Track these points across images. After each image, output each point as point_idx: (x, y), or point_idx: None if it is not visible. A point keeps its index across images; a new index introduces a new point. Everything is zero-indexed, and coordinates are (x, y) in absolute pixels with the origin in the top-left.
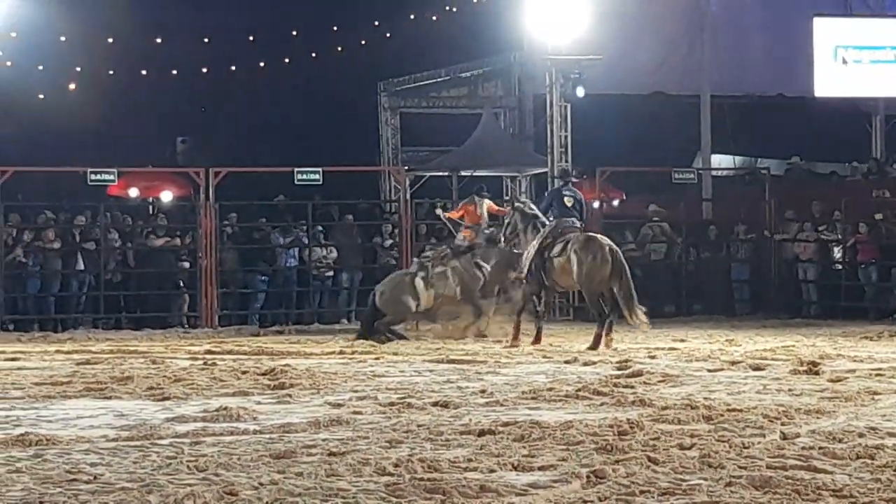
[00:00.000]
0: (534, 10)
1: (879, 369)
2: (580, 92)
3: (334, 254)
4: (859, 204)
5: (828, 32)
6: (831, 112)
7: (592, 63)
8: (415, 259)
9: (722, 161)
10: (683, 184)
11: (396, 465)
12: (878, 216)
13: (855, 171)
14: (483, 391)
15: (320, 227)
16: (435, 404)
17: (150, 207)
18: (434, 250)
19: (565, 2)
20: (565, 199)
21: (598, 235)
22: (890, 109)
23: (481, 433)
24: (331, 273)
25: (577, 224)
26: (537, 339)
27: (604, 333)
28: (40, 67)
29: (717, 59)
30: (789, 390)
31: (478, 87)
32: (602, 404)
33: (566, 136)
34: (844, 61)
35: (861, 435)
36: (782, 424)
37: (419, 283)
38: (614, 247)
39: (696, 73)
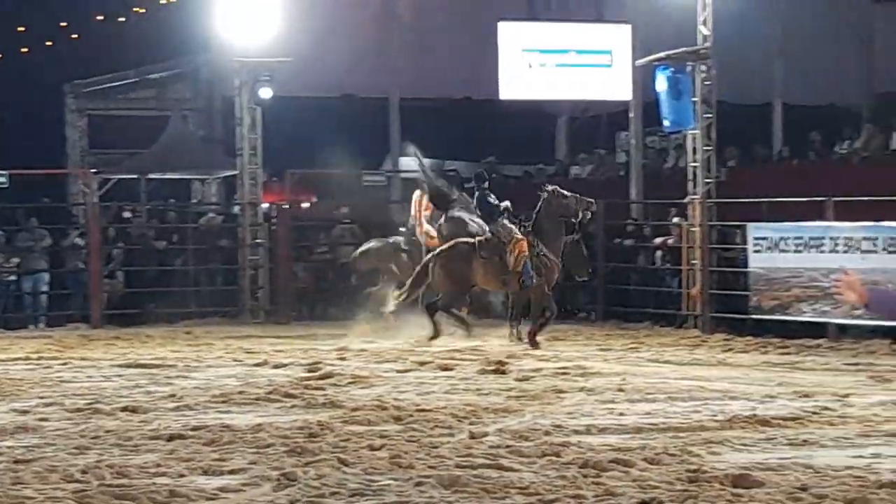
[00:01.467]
0: (223, 11)
1: (565, 368)
2: (266, 94)
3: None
4: None
5: (513, 36)
6: (518, 115)
7: (282, 65)
8: None
9: (411, 163)
10: (373, 186)
11: (84, 472)
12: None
13: (541, 173)
14: (172, 395)
15: (1, 231)
16: (124, 409)
17: None
18: None
19: (255, 4)
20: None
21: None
22: (573, 112)
23: (171, 438)
24: (15, 277)
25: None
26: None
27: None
28: None
29: (406, 61)
30: (477, 390)
31: (166, 89)
32: (293, 407)
33: (256, 139)
34: (529, 65)
35: (547, 433)
36: (471, 424)
37: None
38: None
39: (386, 75)
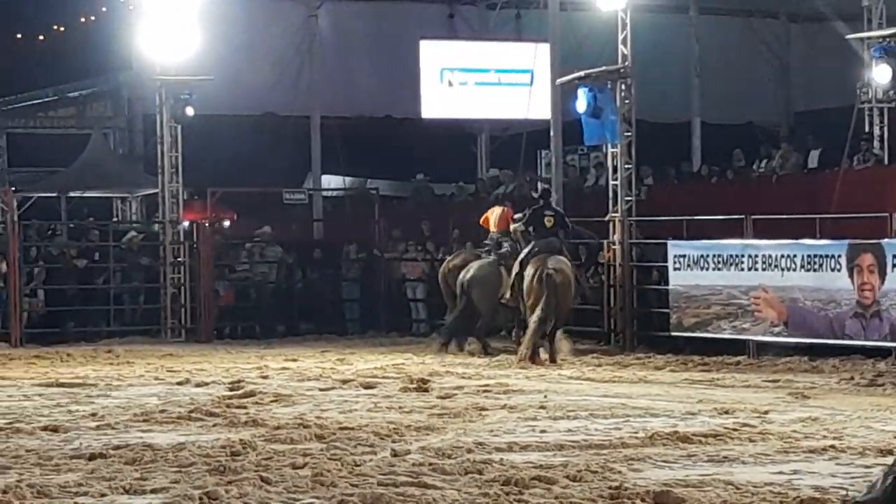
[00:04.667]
0: (144, 29)
1: (486, 386)
2: (189, 112)
3: None
4: (467, 224)
5: (434, 55)
6: (439, 133)
7: (203, 83)
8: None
9: (332, 181)
10: (294, 204)
11: (5, 492)
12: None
13: (461, 192)
14: (94, 414)
15: None
16: (44, 429)
17: None
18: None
19: (176, 22)
20: (545, 219)
21: (556, 257)
22: (494, 130)
23: (92, 457)
24: None
25: (557, 244)
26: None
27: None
28: None
29: (327, 80)
30: (399, 408)
31: (86, 107)
32: (215, 425)
33: (177, 157)
34: (450, 83)
35: (469, 450)
36: (393, 441)
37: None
38: (564, 270)
39: (306, 94)
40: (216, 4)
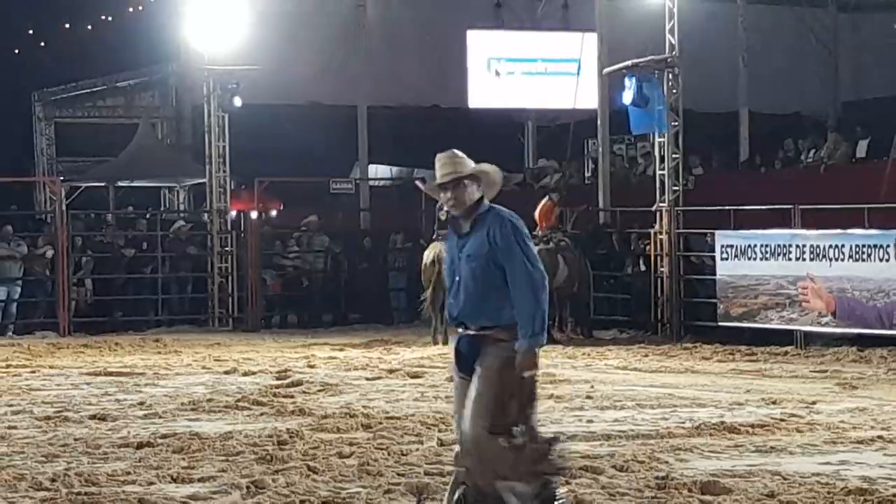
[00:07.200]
0: (191, 19)
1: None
2: (237, 102)
3: None
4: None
5: (481, 45)
6: (486, 123)
7: (250, 73)
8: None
9: (379, 171)
10: (341, 194)
11: (53, 480)
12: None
13: (507, 182)
14: (141, 403)
15: None
16: (92, 417)
17: None
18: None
19: (223, 12)
20: (440, 214)
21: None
22: (541, 120)
23: (140, 446)
24: None
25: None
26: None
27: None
28: None
29: (374, 70)
30: (446, 397)
31: (135, 96)
32: (262, 414)
33: (224, 147)
34: (497, 73)
35: None
36: (439, 431)
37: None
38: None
39: (353, 83)
40: None
